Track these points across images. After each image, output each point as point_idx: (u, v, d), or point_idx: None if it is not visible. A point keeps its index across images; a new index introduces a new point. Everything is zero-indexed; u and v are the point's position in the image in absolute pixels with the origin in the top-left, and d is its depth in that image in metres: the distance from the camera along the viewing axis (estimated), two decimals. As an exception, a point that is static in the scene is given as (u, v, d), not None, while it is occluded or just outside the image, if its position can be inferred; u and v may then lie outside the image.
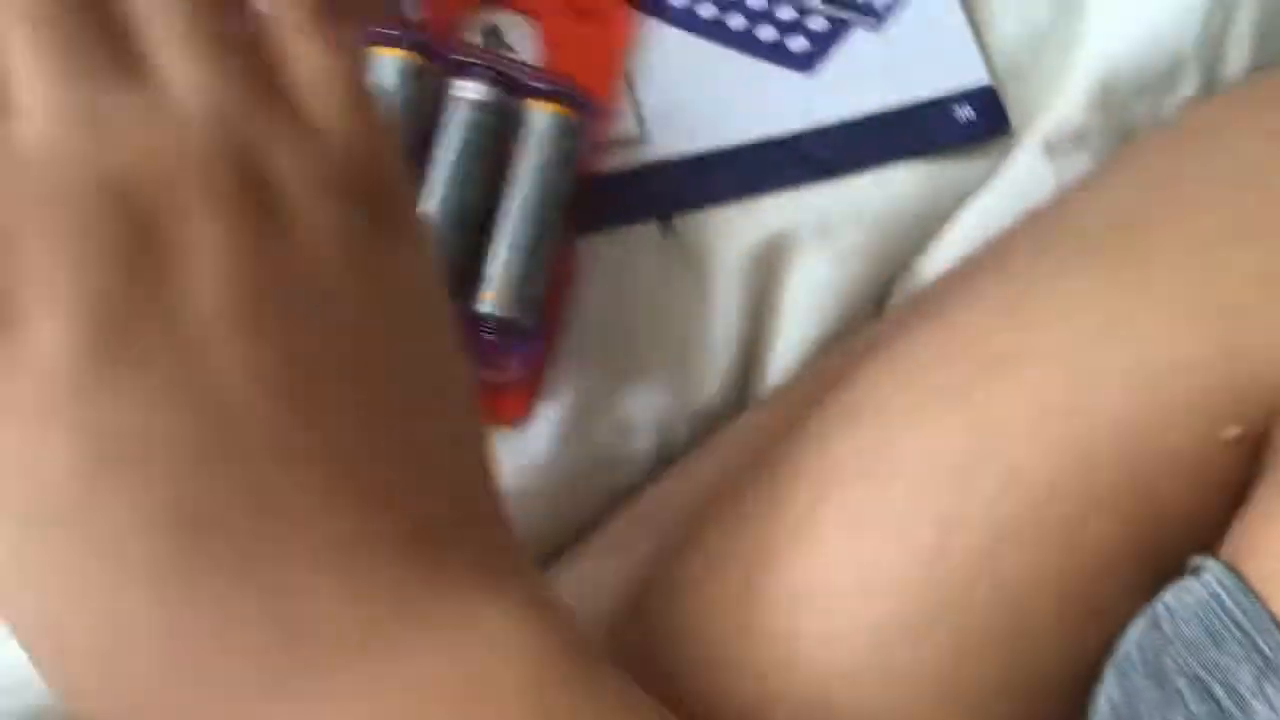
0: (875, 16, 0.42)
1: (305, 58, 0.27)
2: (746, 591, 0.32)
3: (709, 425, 0.40)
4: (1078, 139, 0.41)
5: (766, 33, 0.42)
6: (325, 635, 0.24)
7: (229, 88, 0.26)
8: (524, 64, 0.39)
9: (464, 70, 0.37)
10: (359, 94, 0.27)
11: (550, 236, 0.37)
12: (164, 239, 0.24)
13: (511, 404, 0.38)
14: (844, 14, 0.42)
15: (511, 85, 0.37)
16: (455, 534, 0.26)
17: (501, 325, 0.37)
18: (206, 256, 0.24)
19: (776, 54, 0.42)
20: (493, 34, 0.40)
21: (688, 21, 0.41)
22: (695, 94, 0.41)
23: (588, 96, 0.38)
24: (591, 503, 0.39)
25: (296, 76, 0.27)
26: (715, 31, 0.41)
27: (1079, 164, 0.40)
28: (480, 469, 0.28)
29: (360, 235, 0.26)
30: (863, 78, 0.42)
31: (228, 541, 0.24)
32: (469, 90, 0.37)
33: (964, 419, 0.31)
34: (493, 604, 0.26)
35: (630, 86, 0.40)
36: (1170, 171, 0.35)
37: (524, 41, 0.40)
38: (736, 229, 0.40)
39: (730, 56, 0.41)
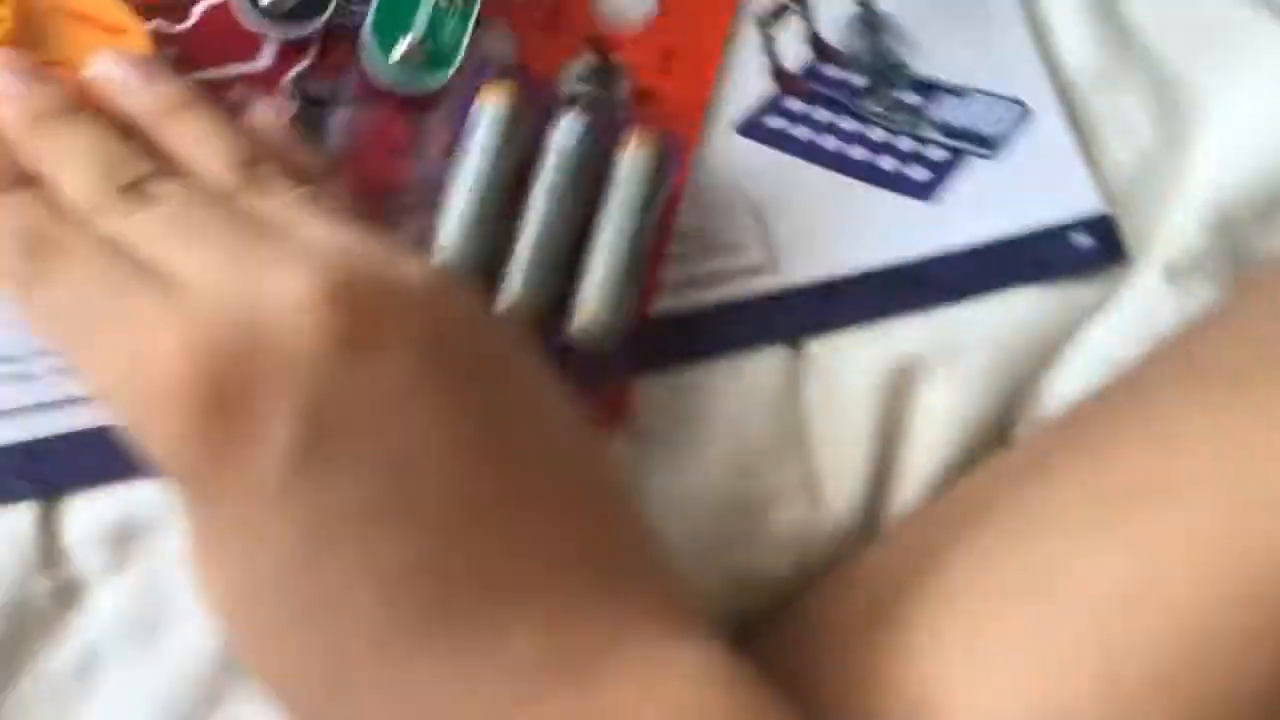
0: (990, 146, 0.44)
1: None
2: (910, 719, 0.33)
3: (841, 546, 0.41)
4: (1196, 264, 0.42)
5: (887, 163, 0.43)
6: (533, 670, 0.28)
7: (344, 235, 0.31)
8: (615, 106, 0.41)
9: (558, 112, 0.39)
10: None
11: (636, 272, 0.39)
12: (360, 340, 0.29)
13: (599, 417, 0.39)
14: (960, 144, 0.44)
15: (603, 127, 0.39)
16: (638, 582, 0.31)
17: (593, 344, 0.38)
18: (391, 352, 0.29)
19: (898, 183, 0.43)
20: (588, 78, 0.42)
21: (812, 154, 0.43)
22: (821, 222, 0.42)
23: (675, 141, 0.40)
24: (727, 625, 0.40)
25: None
26: (839, 162, 0.43)
27: (1199, 289, 0.42)
28: (642, 522, 0.32)
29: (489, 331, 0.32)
30: (982, 205, 0.43)
31: (442, 596, 0.28)
32: (566, 126, 0.39)
33: (1124, 548, 0.32)
34: (683, 641, 0.30)
35: (759, 217, 0.42)
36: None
37: (617, 86, 0.42)
38: (865, 351, 0.41)
39: (854, 186, 0.43)
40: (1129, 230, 0.43)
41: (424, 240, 0.38)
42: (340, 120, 0.39)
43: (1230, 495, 0.32)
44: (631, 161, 0.39)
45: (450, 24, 0.39)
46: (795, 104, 0.43)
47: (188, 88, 0.34)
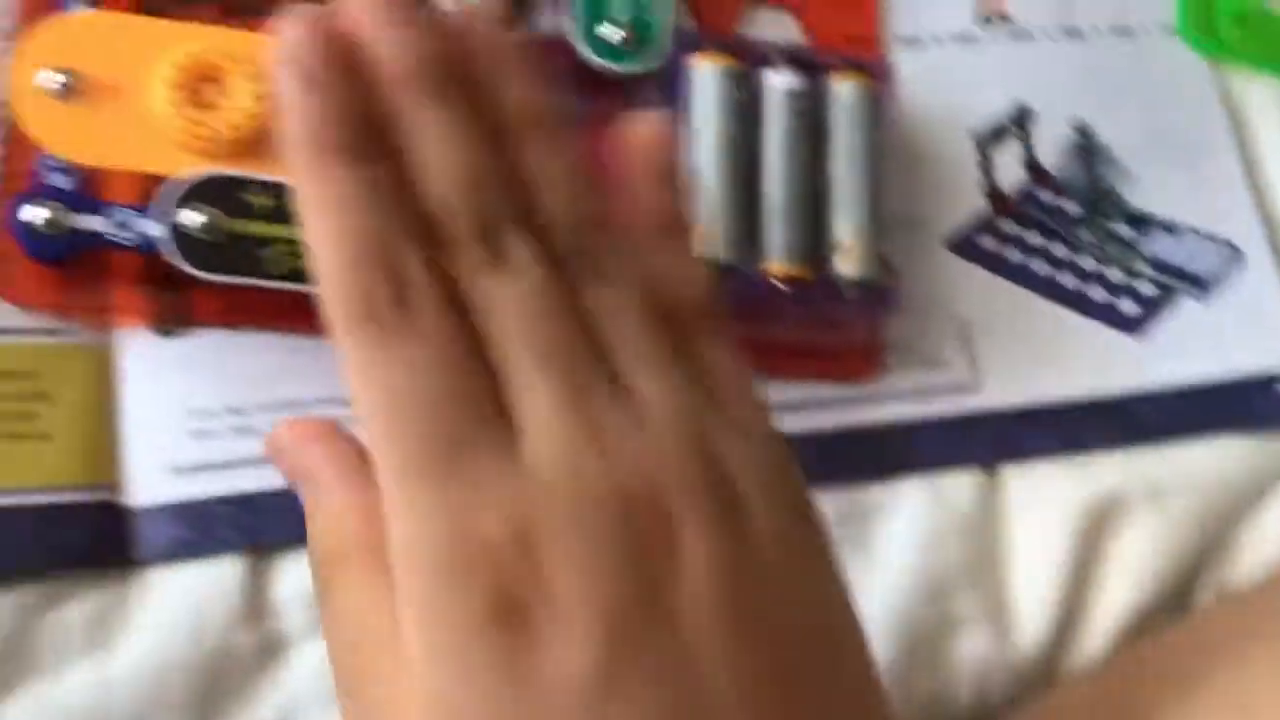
0: (1202, 287, 0.43)
1: (726, 367, 0.28)
2: None
3: (1025, 682, 0.40)
4: None
5: (1097, 293, 0.43)
6: None
7: (689, 395, 0.27)
8: (808, 48, 0.42)
9: (764, 63, 0.39)
10: (765, 401, 0.29)
11: (878, 209, 0.39)
12: (658, 547, 0.25)
13: (860, 364, 0.40)
14: (1171, 281, 0.43)
15: (809, 67, 0.39)
16: None
17: (858, 286, 0.38)
18: (694, 561, 0.25)
19: (1106, 314, 0.42)
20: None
21: (1022, 277, 0.42)
22: (1028, 346, 0.42)
23: (879, 63, 0.41)
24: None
25: (722, 383, 0.28)
26: (1049, 288, 0.42)
27: None
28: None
29: (794, 535, 0.27)
30: (1189, 346, 0.42)
31: None
32: (779, 80, 0.39)
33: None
34: None
35: (965, 335, 0.41)
36: None
37: (789, 32, 0.43)
38: (1063, 483, 0.40)
39: (1062, 313, 0.42)
40: (1340, 386, 0.43)
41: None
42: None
43: None
44: (849, 97, 0.39)
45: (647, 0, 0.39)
46: (1008, 226, 0.43)
47: (547, 94, 0.29)
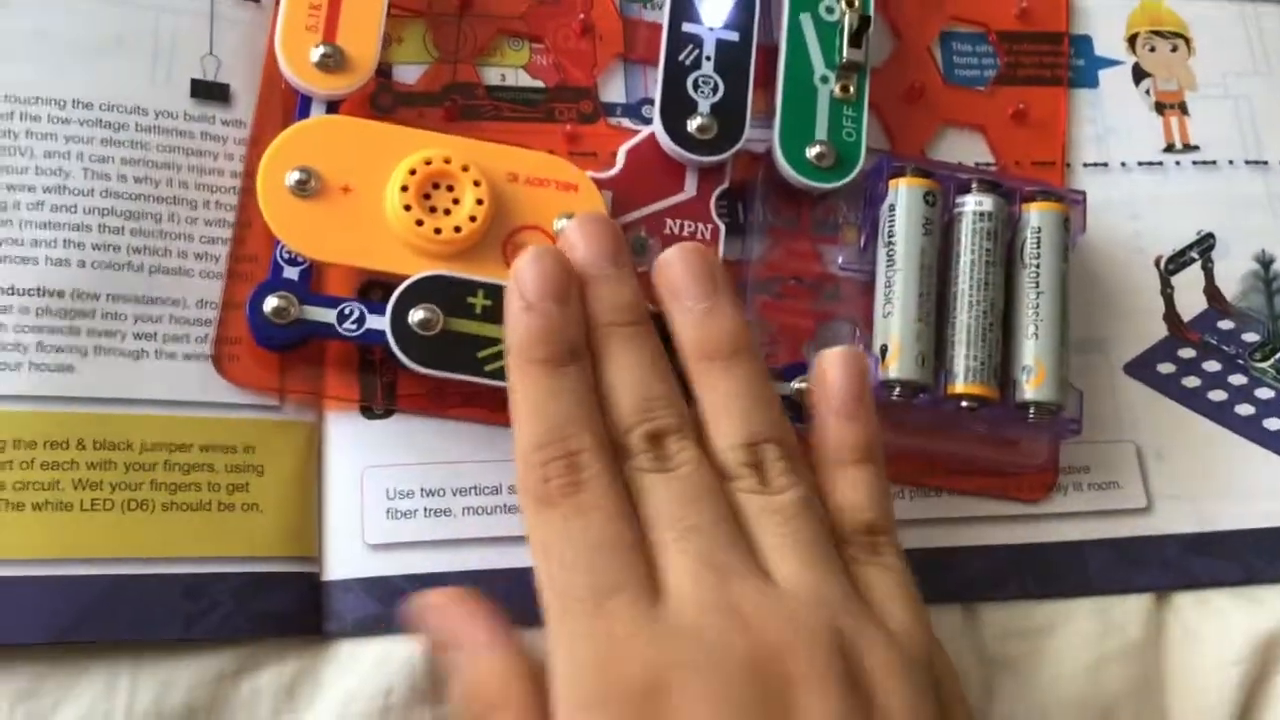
0: (1380, 423, 0.43)
1: (882, 575, 0.33)
2: None
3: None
4: None
5: (1274, 424, 0.43)
6: None
7: (828, 585, 0.31)
8: (1001, 173, 0.43)
9: (960, 186, 0.40)
10: (919, 604, 0.33)
11: (1067, 334, 0.39)
12: (781, 706, 0.29)
13: (1037, 485, 0.41)
14: (1349, 416, 0.43)
15: (1002, 189, 0.40)
16: None
17: (1045, 411, 0.39)
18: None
19: (1282, 445, 0.43)
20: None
21: (1198, 403, 0.43)
22: (1202, 473, 0.42)
23: (1069, 191, 0.41)
24: None
25: (875, 586, 0.33)
26: (1224, 416, 0.43)
27: None
28: None
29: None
30: (1368, 483, 0.42)
31: None
32: (973, 203, 0.40)
33: None
34: None
35: (1140, 457, 0.42)
36: None
37: (978, 155, 0.44)
38: (1237, 616, 0.40)
39: (1239, 443, 0.43)
40: None
41: (853, 332, 0.40)
42: (759, 224, 0.41)
43: None
44: (1041, 222, 0.40)
45: (846, 121, 0.41)
46: (1185, 351, 0.43)
47: (745, 322, 0.34)
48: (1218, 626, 0.40)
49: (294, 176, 0.37)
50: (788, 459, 0.33)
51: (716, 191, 0.40)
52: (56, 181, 0.37)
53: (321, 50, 0.38)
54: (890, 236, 0.39)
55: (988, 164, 0.43)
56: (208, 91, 0.39)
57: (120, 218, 0.38)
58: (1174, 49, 0.46)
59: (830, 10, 0.41)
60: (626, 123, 0.42)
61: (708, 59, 0.40)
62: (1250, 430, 0.43)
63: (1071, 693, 0.39)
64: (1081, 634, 0.40)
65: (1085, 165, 0.44)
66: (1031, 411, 0.39)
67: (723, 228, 0.40)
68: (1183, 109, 0.45)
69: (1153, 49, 0.46)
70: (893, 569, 0.33)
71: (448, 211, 0.37)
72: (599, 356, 0.34)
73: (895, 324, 0.39)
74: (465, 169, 0.37)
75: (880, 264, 0.40)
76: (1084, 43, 0.46)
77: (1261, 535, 0.41)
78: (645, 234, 0.40)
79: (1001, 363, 0.39)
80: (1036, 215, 0.40)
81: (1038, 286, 0.39)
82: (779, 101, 0.40)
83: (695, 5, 0.41)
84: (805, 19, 0.41)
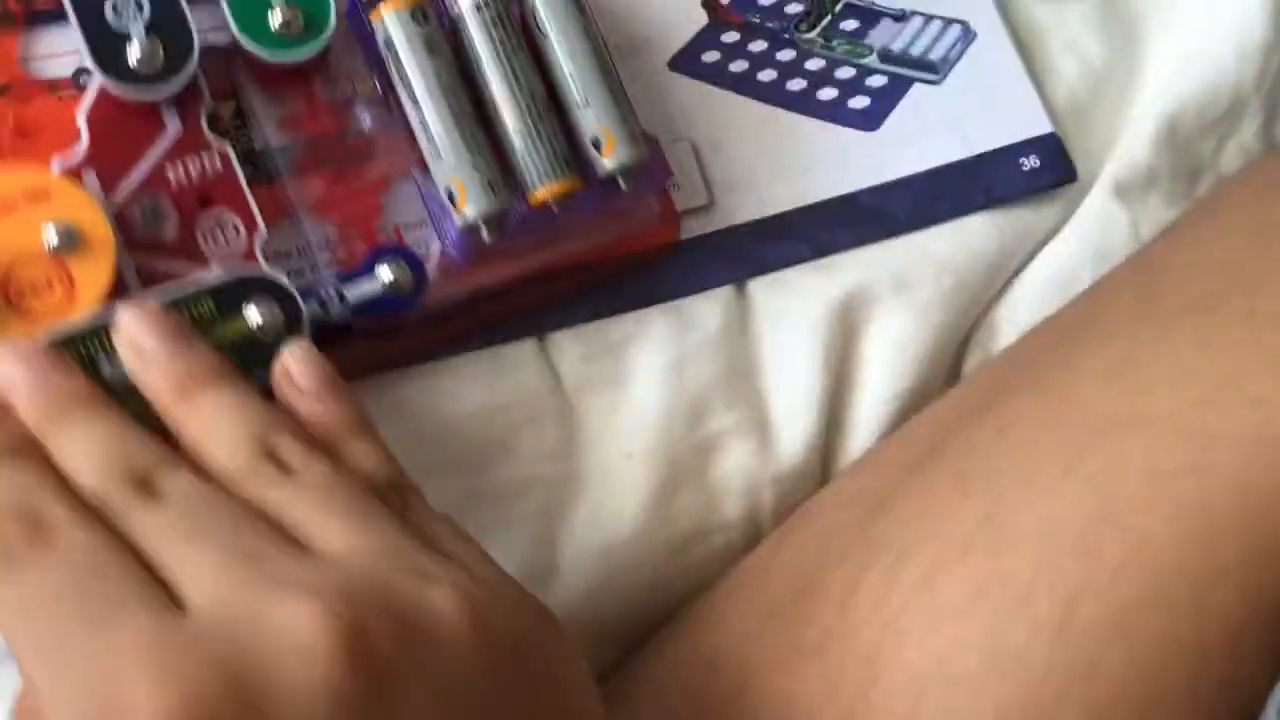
0: (934, 71, 0.42)
1: (439, 524, 0.31)
2: (866, 670, 0.32)
3: (795, 488, 0.40)
4: (1147, 180, 0.41)
5: (827, 93, 0.42)
6: None
7: (385, 536, 0.28)
8: None
9: None
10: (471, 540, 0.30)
11: (614, 73, 0.37)
12: (364, 699, 0.25)
13: (662, 230, 0.39)
14: (902, 70, 0.42)
15: None
16: None
17: (631, 171, 0.37)
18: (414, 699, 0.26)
19: (839, 113, 0.42)
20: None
21: (748, 87, 0.41)
22: (761, 158, 0.41)
23: None
24: (685, 573, 0.39)
25: (438, 534, 0.30)
26: (776, 95, 0.41)
27: (1152, 206, 0.41)
28: None
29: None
30: (926, 132, 0.42)
31: None
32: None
33: (1079, 487, 0.31)
34: None
35: (696, 154, 0.40)
36: (1265, 222, 0.35)
37: None
38: (811, 289, 0.40)
39: (793, 119, 0.41)
40: (1078, 149, 0.42)
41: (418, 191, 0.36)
42: (265, 124, 0.37)
43: (1189, 427, 0.31)
44: None
45: None
46: (729, 35, 0.42)
47: (205, 354, 0.31)
48: (795, 304, 0.40)
49: None
50: (302, 442, 0.30)
51: (204, 111, 0.35)
52: None
53: None
54: (401, 75, 0.36)
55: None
56: None
57: None
58: None
59: None
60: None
61: None
62: (804, 104, 0.42)
63: (662, 400, 0.39)
64: (664, 341, 0.39)
65: None
66: (620, 181, 0.37)
67: (231, 151, 0.35)
68: None
69: None
70: (442, 518, 0.31)
71: None
72: (50, 452, 0.29)
73: (449, 164, 0.36)
74: None
75: (407, 107, 0.36)
76: None
77: (825, 207, 0.41)
78: (152, 198, 0.35)
79: (570, 145, 0.37)
80: None
81: (567, 51, 0.37)
82: None
83: None
84: None
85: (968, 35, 0.43)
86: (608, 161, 0.37)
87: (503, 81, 0.36)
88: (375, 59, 0.36)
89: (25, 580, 0.26)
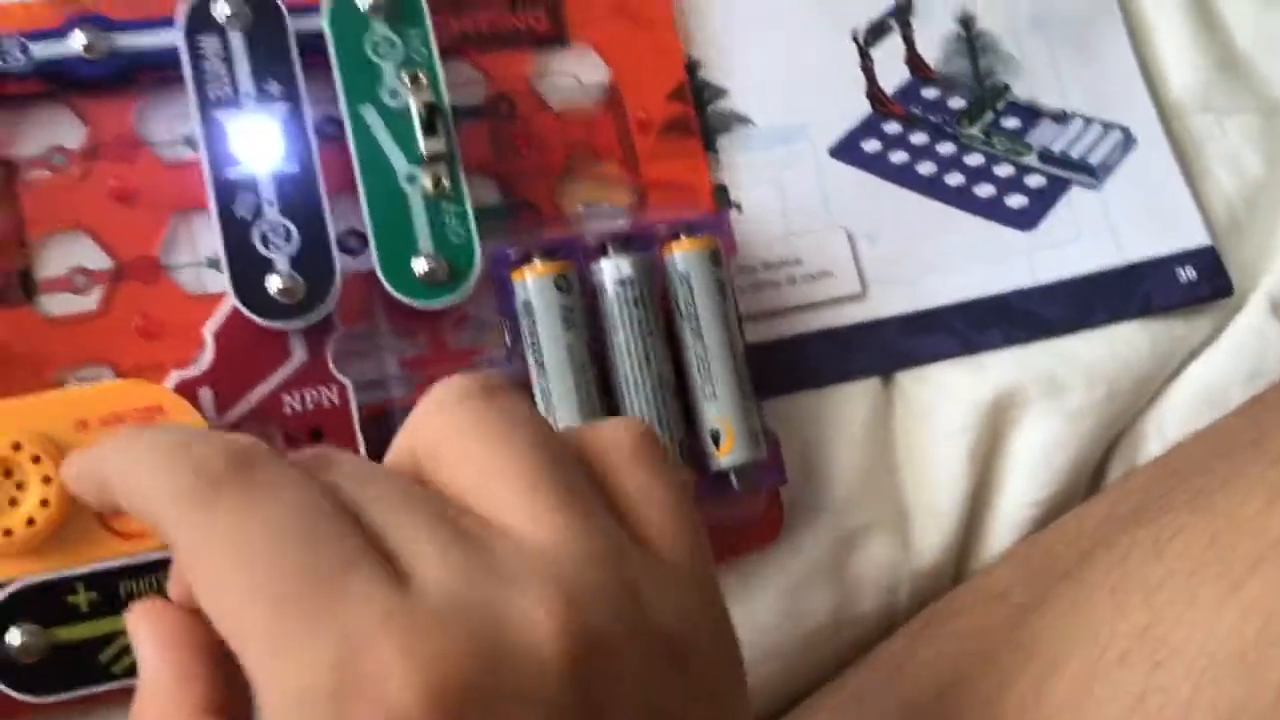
0: (1092, 175, 0.42)
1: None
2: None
3: (930, 585, 0.39)
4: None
5: (985, 190, 0.42)
6: None
7: (590, 540, 0.25)
8: (635, 216, 0.39)
9: (593, 250, 0.36)
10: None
11: (746, 363, 0.37)
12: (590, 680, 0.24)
13: (763, 532, 0.38)
14: (1061, 172, 0.42)
15: (640, 242, 0.37)
16: None
17: (746, 474, 0.37)
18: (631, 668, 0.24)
19: (996, 211, 0.42)
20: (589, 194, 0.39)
21: (908, 179, 0.41)
22: (916, 251, 0.41)
23: (710, 217, 0.38)
24: (818, 667, 0.39)
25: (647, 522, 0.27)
26: (934, 189, 0.41)
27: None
28: None
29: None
30: (1083, 236, 0.42)
31: None
32: (612, 271, 0.36)
33: (1243, 609, 0.31)
34: None
35: (852, 242, 0.40)
36: None
37: (619, 192, 0.39)
38: (960, 386, 0.40)
39: (950, 214, 0.41)
40: (1235, 263, 0.42)
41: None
42: (389, 364, 0.36)
43: None
44: (688, 266, 0.37)
45: (450, 220, 0.36)
46: (891, 126, 0.42)
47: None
48: (944, 400, 0.40)
49: None
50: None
51: (331, 343, 0.35)
52: None
53: None
54: (533, 339, 0.36)
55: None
56: None
57: None
58: None
59: (395, 94, 0.35)
60: (207, 279, 0.35)
61: (270, 204, 0.34)
62: (962, 200, 0.42)
63: (816, 493, 0.39)
64: (808, 429, 0.39)
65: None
66: (733, 479, 0.36)
67: (349, 385, 0.35)
68: None
69: None
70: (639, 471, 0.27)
71: (14, 501, 0.31)
72: None
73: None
74: (17, 447, 0.31)
75: (532, 370, 0.36)
76: None
77: (977, 304, 0.41)
78: (263, 425, 0.34)
79: (687, 433, 0.36)
80: (682, 260, 0.37)
81: (702, 339, 0.36)
82: (366, 216, 0.35)
83: (231, 148, 0.34)
84: (369, 112, 0.35)
85: (1128, 141, 0.43)
86: (724, 460, 0.36)
87: (634, 363, 0.36)
88: (510, 315, 0.36)
89: (235, 512, 0.23)
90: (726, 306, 0.37)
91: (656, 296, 0.37)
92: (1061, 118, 0.43)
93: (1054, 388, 0.40)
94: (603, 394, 0.36)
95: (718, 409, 0.36)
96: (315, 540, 0.23)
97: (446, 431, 0.26)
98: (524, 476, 0.25)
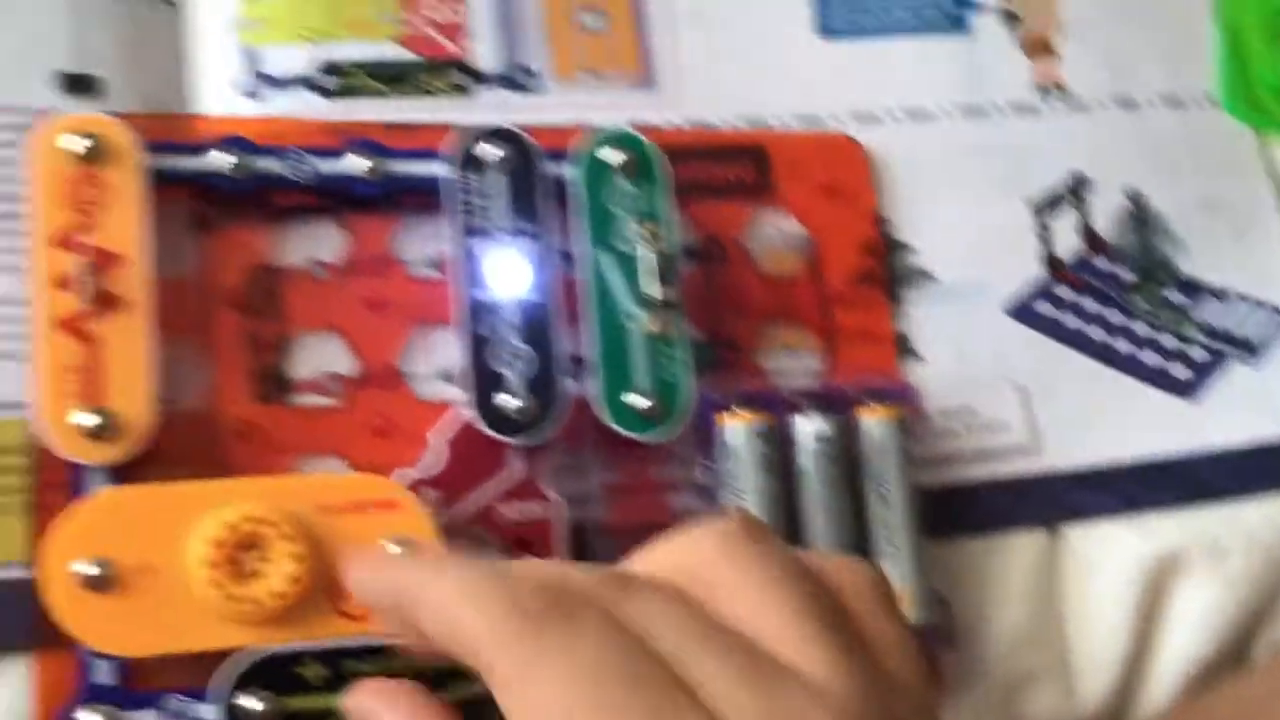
0: (1251, 351, 0.44)
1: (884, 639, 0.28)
2: None
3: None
4: None
5: (1150, 358, 0.44)
6: None
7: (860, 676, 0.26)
8: (832, 385, 0.41)
9: (791, 404, 0.39)
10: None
11: (923, 529, 0.39)
12: None
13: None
14: (1222, 346, 0.44)
15: (833, 401, 0.39)
16: None
17: (915, 633, 0.38)
18: None
19: (1160, 379, 0.44)
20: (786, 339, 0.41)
21: (1079, 342, 0.44)
22: (1085, 409, 0.43)
23: (903, 390, 0.40)
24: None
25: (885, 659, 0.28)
26: (1104, 353, 0.44)
27: None
28: None
29: None
30: (1242, 408, 0.44)
31: None
32: (811, 429, 0.39)
33: None
34: None
35: (1024, 398, 0.43)
36: None
37: (812, 338, 0.42)
38: (1125, 544, 0.42)
39: (1117, 377, 0.44)
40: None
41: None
42: (595, 480, 0.38)
43: None
44: (878, 433, 0.39)
45: (666, 361, 0.38)
46: (1065, 292, 0.44)
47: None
48: (1109, 555, 0.42)
49: (86, 570, 0.32)
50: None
51: (549, 462, 0.38)
52: None
53: (90, 419, 0.33)
54: (733, 480, 0.38)
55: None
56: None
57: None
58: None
59: (627, 241, 0.38)
60: (438, 389, 0.38)
61: (512, 328, 0.37)
62: (1129, 366, 0.44)
63: (979, 640, 0.40)
64: (976, 574, 0.41)
65: (966, 107, 0.45)
66: None
67: (563, 502, 0.37)
68: (1051, 49, 0.46)
69: (1019, -5, 0.47)
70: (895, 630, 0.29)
71: (255, 573, 0.33)
72: None
73: None
74: (274, 524, 0.33)
75: (723, 501, 0.38)
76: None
77: (1142, 465, 0.43)
78: (481, 530, 0.36)
79: None
80: (873, 427, 0.39)
81: (886, 503, 0.39)
82: (592, 349, 0.38)
83: (482, 274, 0.37)
84: (604, 254, 0.38)
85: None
86: None
87: (825, 518, 0.38)
88: (711, 453, 0.38)
89: (559, 652, 0.25)
90: (911, 471, 0.39)
91: (848, 456, 0.39)
92: (1221, 295, 0.45)
93: (1216, 551, 0.42)
94: (789, 539, 0.37)
95: (898, 570, 0.38)
96: (637, 681, 0.25)
97: (721, 562, 0.27)
98: (798, 614, 0.26)
